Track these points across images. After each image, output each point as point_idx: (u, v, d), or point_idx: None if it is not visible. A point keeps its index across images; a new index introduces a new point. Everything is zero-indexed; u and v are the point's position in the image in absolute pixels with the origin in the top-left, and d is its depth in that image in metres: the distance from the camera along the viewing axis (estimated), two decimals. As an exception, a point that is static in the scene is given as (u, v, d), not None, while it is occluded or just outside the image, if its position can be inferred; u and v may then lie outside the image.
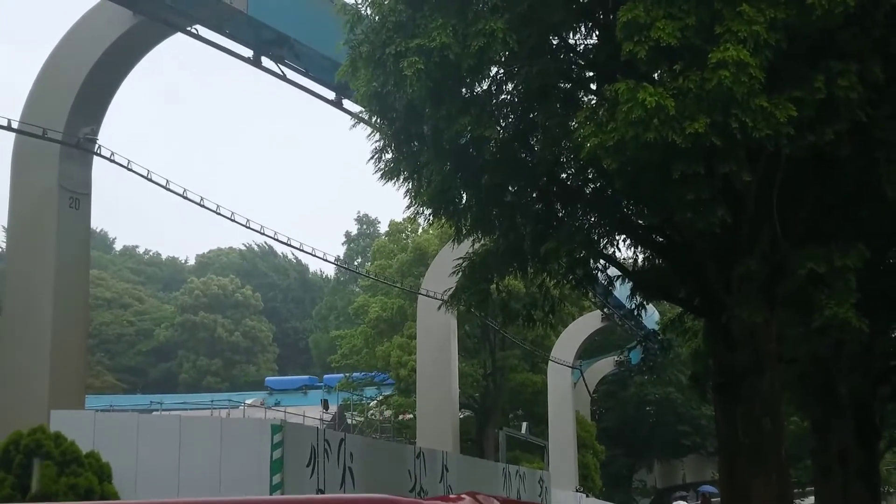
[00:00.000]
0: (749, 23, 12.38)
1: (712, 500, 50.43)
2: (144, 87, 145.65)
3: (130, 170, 26.10)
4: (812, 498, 36.01)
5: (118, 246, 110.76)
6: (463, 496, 2.82)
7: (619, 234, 18.40)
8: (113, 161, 25.87)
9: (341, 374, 56.16)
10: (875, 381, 24.49)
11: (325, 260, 77.89)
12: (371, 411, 53.48)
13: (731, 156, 13.09)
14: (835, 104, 13.25)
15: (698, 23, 12.70)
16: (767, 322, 15.64)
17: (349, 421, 43.17)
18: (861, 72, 13.21)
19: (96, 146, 25.60)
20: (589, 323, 54.11)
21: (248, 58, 27.48)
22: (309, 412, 37.72)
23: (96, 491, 18.06)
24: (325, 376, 63.12)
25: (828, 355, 21.81)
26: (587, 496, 46.85)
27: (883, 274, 20.96)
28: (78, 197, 25.31)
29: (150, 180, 26.56)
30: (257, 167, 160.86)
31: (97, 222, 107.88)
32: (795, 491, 49.46)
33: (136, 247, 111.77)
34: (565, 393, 52.74)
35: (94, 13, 25.98)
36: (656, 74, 13.57)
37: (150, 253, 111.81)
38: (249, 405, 45.92)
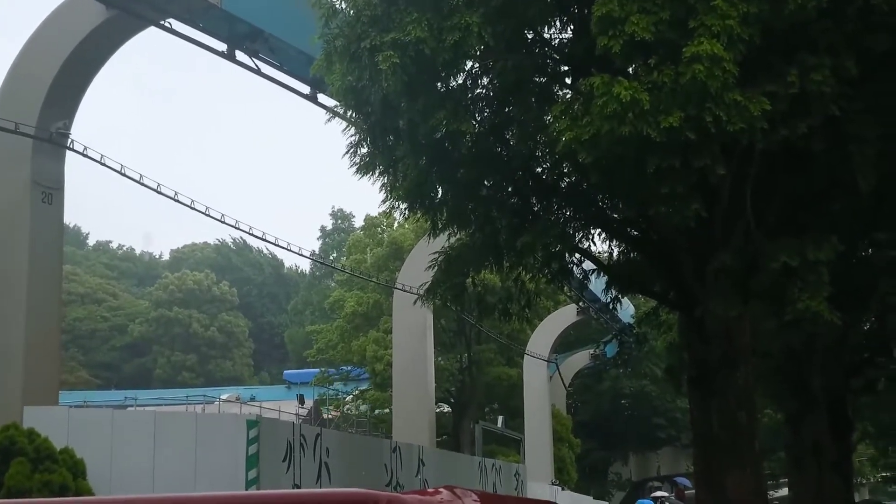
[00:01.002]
0: (723, 17, 12.42)
1: (686, 492, 50.73)
2: (116, 81, 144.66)
3: (104, 164, 25.96)
4: (786, 490, 36.29)
5: (91, 241, 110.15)
6: (440, 490, 2.82)
7: (594, 228, 18.43)
8: (86, 156, 25.73)
9: (303, 370, 55.89)
10: (848, 373, 24.69)
11: (301, 255, 77.80)
12: (347, 406, 53.43)
13: (705, 150, 13.12)
14: (808, 98, 13.32)
15: (672, 17, 12.73)
16: (741, 315, 15.72)
17: (325, 416, 43.12)
18: (834, 66, 13.29)
19: (69, 141, 25.42)
20: (564, 317, 54.28)
21: (222, 52, 27.37)
22: (285, 407, 37.59)
23: (70, 487, 17.98)
24: (286, 372, 62.54)
25: (801, 348, 21.95)
26: (563, 489, 47.01)
27: (855, 267, 21.11)
28: (51, 192, 25.14)
29: (124, 175, 26.43)
30: (231, 162, 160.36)
31: (70, 217, 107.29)
32: (769, 483, 49.82)
33: (110, 242, 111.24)
34: (541, 387, 52.90)
35: (66, 6, 25.80)
36: (631, 69, 13.59)
37: (124, 248, 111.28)
38: (225, 400, 45.64)
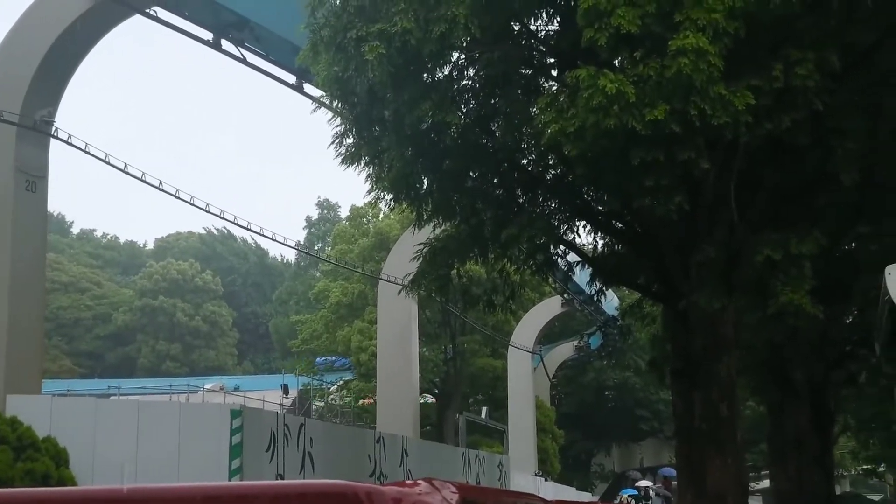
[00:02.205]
0: (708, 11, 12.46)
1: (673, 482, 50.86)
2: (101, 68, 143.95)
3: (88, 152, 25.84)
4: (767, 482, 36.47)
5: (76, 229, 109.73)
6: (419, 482, 2.84)
7: (579, 221, 18.49)
8: (70, 144, 25.60)
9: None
10: (830, 366, 24.82)
11: (286, 245, 77.52)
12: (331, 396, 53.46)
13: (689, 143, 13.17)
14: (792, 93, 13.37)
15: (658, 10, 12.76)
16: (725, 308, 15.80)
17: (315, 405, 43.13)
18: (818, 60, 13.35)
19: (53, 128, 25.30)
20: (549, 308, 54.39)
21: (208, 40, 27.27)
22: (269, 397, 37.62)
23: (53, 476, 17.94)
24: (318, 359, 61.54)
25: (784, 341, 22.07)
26: (546, 480, 47.15)
27: (838, 261, 21.22)
28: (34, 180, 25.03)
29: (108, 163, 26.31)
30: (217, 151, 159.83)
31: (54, 205, 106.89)
32: (751, 475, 50.10)
33: (94, 230, 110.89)
34: (525, 378, 53.02)
35: (51, -7, 25.66)
36: (617, 61, 13.62)
37: (109, 236, 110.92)
38: (209, 390, 45.65)
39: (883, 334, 18.04)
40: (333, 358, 54.16)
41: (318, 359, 55.19)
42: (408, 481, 3.29)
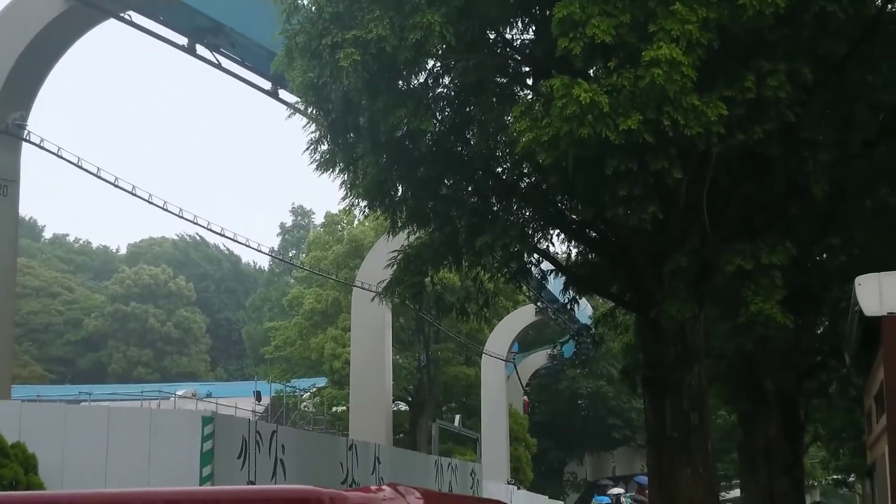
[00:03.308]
0: (682, 21, 12.55)
1: (647, 490, 51.04)
2: (75, 71, 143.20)
3: (60, 157, 25.73)
4: (738, 491, 36.67)
5: (48, 234, 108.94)
6: (384, 487, 2.84)
7: (553, 229, 18.54)
8: (42, 148, 25.47)
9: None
10: (800, 376, 24.98)
11: (260, 251, 77.56)
12: (304, 403, 53.28)
13: (662, 153, 13.24)
14: (764, 104, 13.49)
15: (632, 20, 12.84)
16: (696, 317, 15.88)
17: (293, 411, 42.95)
18: (790, 72, 13.47)
19: (25, 132, 25.13)
20: (523, 317, 54.44)
21: (183, 45, 27.20)
22: (242, 404, 37.42)
23: (22, 482, 17.79)
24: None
25: (755, 350, 22.20)
26: (519, 488, 47.17)
27: (809, 271, 21.39)
28: (6, 184, 24.85)
29: (81, 167, 26.21)
30: (190, 156, 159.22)
31: (26, 210, 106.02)
32: (722, 484, 50.34)
33: (66, 235, 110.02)
34: (499, 386, 53.03)
35: (24, -4, 25.51)
36: (591, 71, 13.70)
37: (81, 241, 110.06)
38: (181, 396, 45.37)
39: (852, 345, 18.20)
40: (310, 380, 54.10)
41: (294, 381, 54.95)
42: (373, 487, 3.30)
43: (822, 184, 14.86)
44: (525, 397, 61.18)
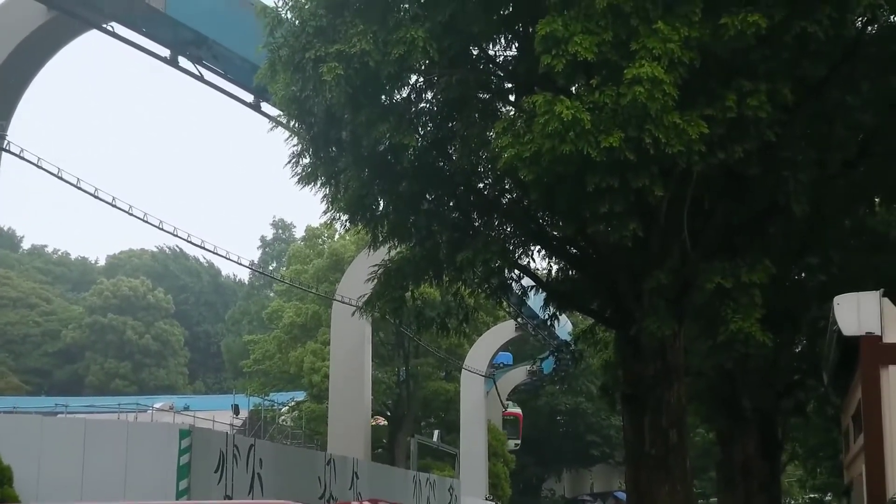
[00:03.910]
0: (664, 40, 12.63)
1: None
2: (56, 81, 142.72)
3: (40, 167, 25.54)
4: (716, 509, 36.73)
5: (26, 244, 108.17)
6: (365, 502, 2.79)
7: (534, 245, 18.59)
8: (22, 158, 25.29)
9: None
10: (778, 395, 25.05)
11: (240, 264, 77.35)
12: (283, 417, 53.01)
13: (644, 170, 13.31)
14: (745, 123, 13.58)
15: (615, 38, 12.91)
16: (675, 335, 15.93)
17: (267, 428, 42.74)
18: (770, 92, 13.56)
19: (5, 142, 24.98)
20: (503, 332, 54.38)
21: (165, 57, 27.09)
22: (220, 417, 37.22)
23: (-4, 494, 17.63)
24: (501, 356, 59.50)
25: (733, 368, 22.25)
26: (496, 504, 47.08)
27: (788, 290, 21.46)
28: (-15, 193, 24.69)
29: (61, 178, 26.00)
30: (172, 168, 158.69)
31: (5, 220, 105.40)
32: (700, 502, 50.38)
33: (45, 246, 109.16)
34: (478, 401, 52.91)
35: (5, 7, 25.41)
36: (573, 88, 13.75)
37: (59, 252, 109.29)
38: (158, 409, 45.13)
39: (831, 364, 18.28)
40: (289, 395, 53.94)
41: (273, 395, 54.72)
42: (353, 502, 3.27)
43: (802, 203, 14.96)
44: (518, 410, 60.85)
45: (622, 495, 55.09)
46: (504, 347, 56.30)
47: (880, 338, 15.22)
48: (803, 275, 23.33)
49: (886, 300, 15.44)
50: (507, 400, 59.99)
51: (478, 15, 14.60)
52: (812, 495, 54.82)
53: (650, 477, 16.10)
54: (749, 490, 23.36)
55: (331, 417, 39.58)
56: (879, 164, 17.37)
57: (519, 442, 59.72)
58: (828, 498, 51.39)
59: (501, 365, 56.84)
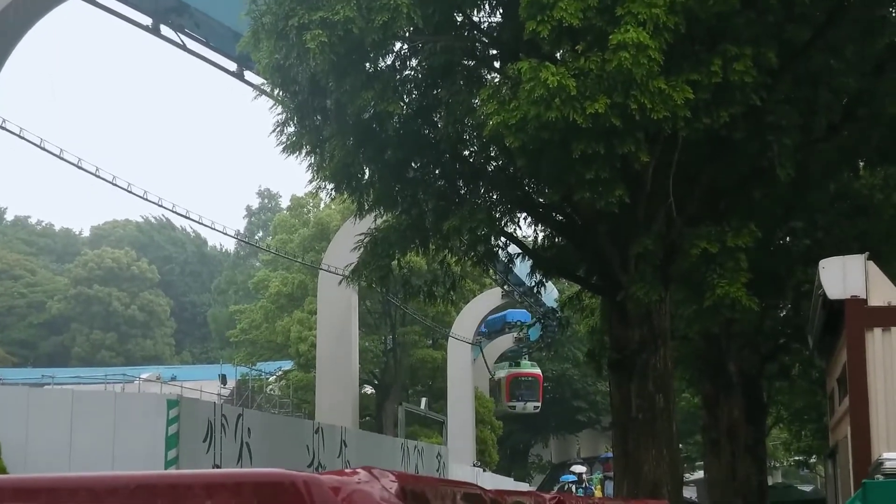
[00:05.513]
0: (649, 5, 12.58)
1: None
2: (37, 51, 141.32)
3: (23, 138, 25.41)
4: (702, 472, 37.01)
5: (10, 216, 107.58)
6: (358, 470, 2.82)
7: (520, 212, 18.58)
8: (4, 129, 25.13)
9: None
10: (764, 359, 25.24)
11: (225, 234, 77.15)
12: (270, 387, 53.11)
13: (629, 136, 13.30)
14: (730, 88, 13.57)
15: (600, 4, 12.86)
16: (662, 300, 15.98)
17: (255, 398, 42.84)
18: (756, 56, 13.55)
19: (-13, 113, 24.80)
20: (489, 300, 54.50)
21: (147, 26, 26.90)
22: (207, 387, 37.28)
23: (-16, 466, 17.64)
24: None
25: (719, 333, 22.39)
26: (484, 471, 47.35)
27: (773, 254, 21.56)
28: (-33, 165, 24.53)
29: (44, 149, 25.89)
30: (155, 138, 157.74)
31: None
32: (685, 466, 50.78)
33: (28, 217, 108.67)
34: (465, 369, 53.11)
35: (-18, -24, 25.10)
36: (559, 54, 13.71)
37: (43, 224, 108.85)
38: (145, 380, 45.18)
39: (816, 327, 18.40)
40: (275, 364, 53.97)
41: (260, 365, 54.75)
42: (347, 470, 3.27)
43: (787, 167, 14.98)
44: (538, 371, 58.86)
45: (610, 455, 55.56)
46: (491, 315, 56.45)
47: (865, 301, 15.35)
48: (788, 239, 23.46)
49: (871, 263, 15.55)
50: (527, 359, 59.38)
51: (462, -19, 14.52)
52: (797, 458, 55.29)
53: (637, 441, 16.21)
54: (734, 453, 23.58)
55: (318, 386, 39.67)
56: (864, 129, 17.42)
57: (538, 405, 57.07)
58: (812, 460, 51.88)
59: (519, 322, 56.31)
